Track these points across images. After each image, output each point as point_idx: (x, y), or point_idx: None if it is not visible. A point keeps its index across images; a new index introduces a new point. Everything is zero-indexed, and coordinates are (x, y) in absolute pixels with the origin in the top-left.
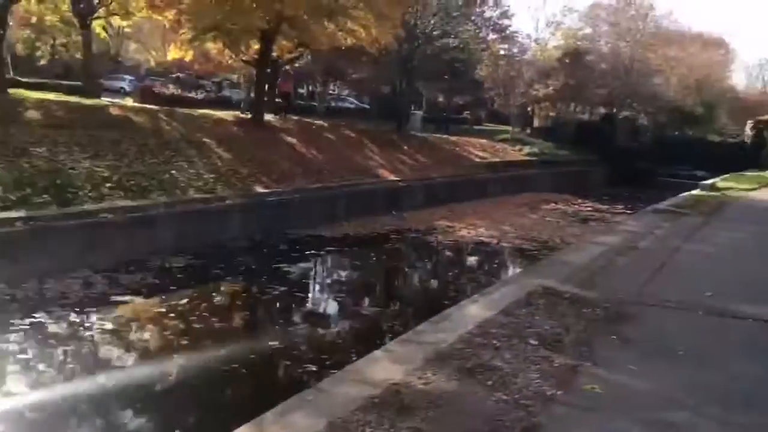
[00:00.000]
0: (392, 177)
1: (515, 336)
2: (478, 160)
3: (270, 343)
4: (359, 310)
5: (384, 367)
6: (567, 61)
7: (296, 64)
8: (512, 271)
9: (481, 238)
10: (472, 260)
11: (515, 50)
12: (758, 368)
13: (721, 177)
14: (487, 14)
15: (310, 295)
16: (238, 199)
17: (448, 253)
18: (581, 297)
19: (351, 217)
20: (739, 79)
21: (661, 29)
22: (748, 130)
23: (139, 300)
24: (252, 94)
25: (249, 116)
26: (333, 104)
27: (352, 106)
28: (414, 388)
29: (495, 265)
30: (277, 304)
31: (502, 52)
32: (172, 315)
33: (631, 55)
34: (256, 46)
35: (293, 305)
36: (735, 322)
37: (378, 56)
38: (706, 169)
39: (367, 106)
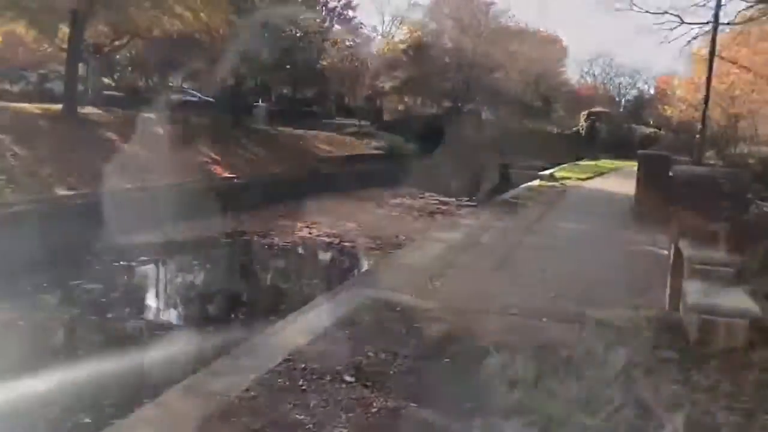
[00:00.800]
0: (227, 174)
1: (329, 371)
2: (324, 154)
3: (39, 388)
4: (164, 337)
5: None
6: (412, 54)
7: (127, 54)
8: (349, 275)
9: (322, 238)
10: (309, 265)
11: (359, 41)
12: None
13: (559, 167)
14: (331, 4)
15: (108, 318)
16: (34, 204)
17: (284, 257)
18: (416, 308)
19: (178, 220)
20: (572, 74)
21: (501, 25)
22: (582, 121)
23: None
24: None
25: (60, 109)
26: (174, 97)
27: (195, 99)
28: None
29: (332, 270)
30: (63, 334)
31: (347, 44)
32: None
33: (474, 50)
34: (67, 30)
35: (84, 334)
36: (579, 330)
37: (211, 44)
38: (546, 160)
39: (212, 99)
